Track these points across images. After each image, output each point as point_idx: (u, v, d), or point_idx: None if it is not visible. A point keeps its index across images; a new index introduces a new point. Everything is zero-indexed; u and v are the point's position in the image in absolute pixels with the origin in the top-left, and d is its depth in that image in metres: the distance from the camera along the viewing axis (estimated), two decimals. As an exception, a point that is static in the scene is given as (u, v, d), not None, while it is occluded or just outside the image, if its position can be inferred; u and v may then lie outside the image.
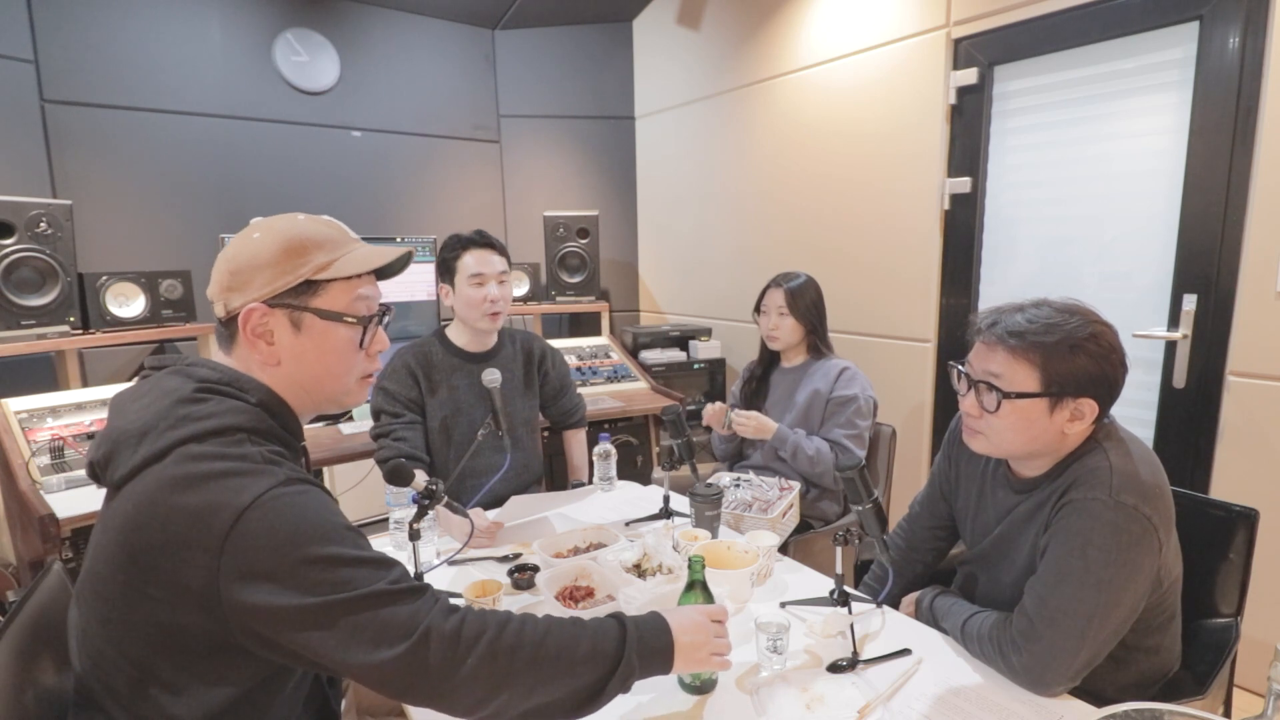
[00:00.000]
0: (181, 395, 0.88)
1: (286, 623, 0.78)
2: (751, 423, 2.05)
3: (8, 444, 2.01)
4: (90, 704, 0.86)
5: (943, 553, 1.52)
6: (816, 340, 2.18)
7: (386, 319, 1.04)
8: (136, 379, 0.96)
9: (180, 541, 0.78)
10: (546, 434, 2.45)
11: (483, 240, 1.93)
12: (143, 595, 0.80)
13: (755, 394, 2.28)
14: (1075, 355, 1.08)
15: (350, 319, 0.97)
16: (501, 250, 1.96)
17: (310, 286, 0.94)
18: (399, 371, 1.92)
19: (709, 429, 2.24)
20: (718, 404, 2.16)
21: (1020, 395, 1.10)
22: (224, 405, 0.89)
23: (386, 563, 0.85)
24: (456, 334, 2.00)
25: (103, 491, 0.89)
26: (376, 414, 1.92)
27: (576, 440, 2.25)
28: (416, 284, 3.08)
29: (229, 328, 0.95)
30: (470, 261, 1.90)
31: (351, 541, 0.84)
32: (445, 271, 1.94)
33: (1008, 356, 1.11)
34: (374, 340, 1.02)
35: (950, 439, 1.41)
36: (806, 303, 2.15)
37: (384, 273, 1.04)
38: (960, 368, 1.20)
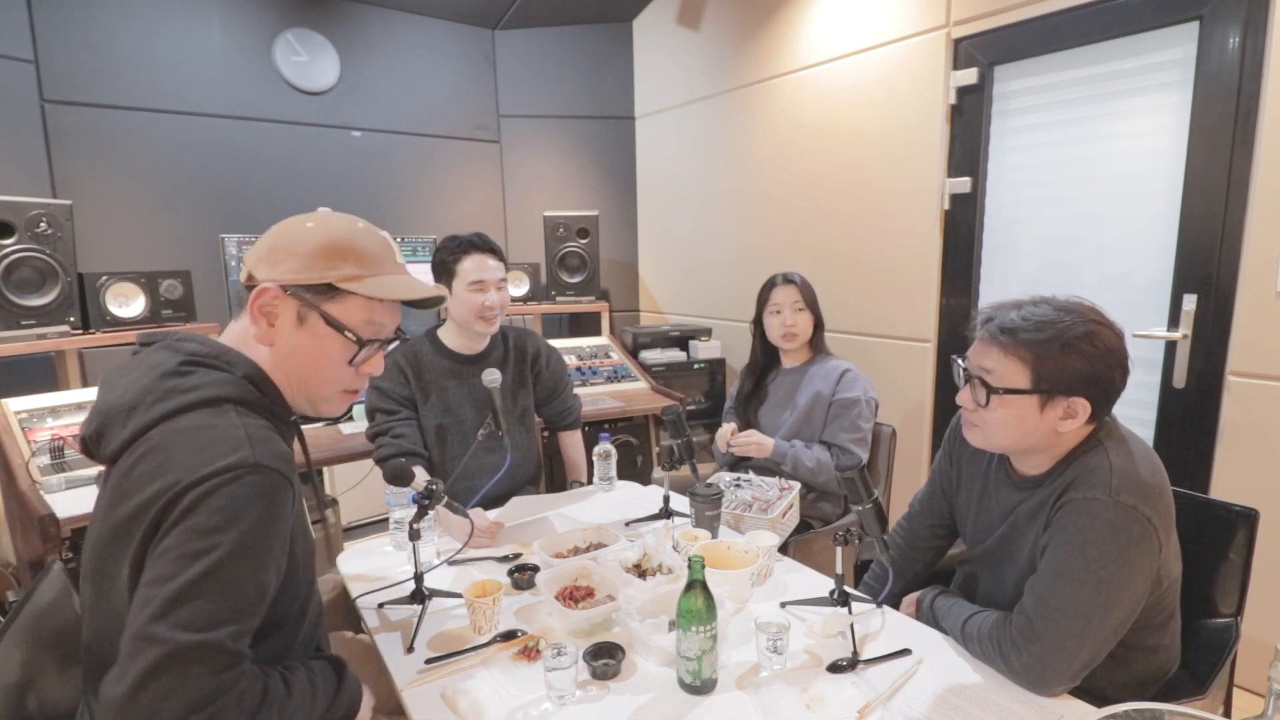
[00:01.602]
0: (167, 369, 0.90)
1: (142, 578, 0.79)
2: (751, 443, 2.07)
3: (8, 444, 2.01)
4: (96, 677, 0.88)
5: (942, 551, 1.52)
6: (819, 337, 2.19)
7: (392, 345, 1.06)
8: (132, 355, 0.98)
9: (145, 508, 0.81)
10: (546, 435, 2.45)
11: (483, 244, 1.92)
12: (124, 566, 0.82)
13: (748, 403, 2.28)
14: (1066, 354, 1.08)
15: (351, 335, 0.98)
16: (500, 254, 1.95)
17: (330, 290, 0.96)
18: (390, 370, 1.91)
19: (709, 432, 2.25)
20: (727, 426, 2.20)
21: (1009, 391, 1.11)
22: (209, 377, 0.91)
23: (238, 614, 0.79)
24: (449, 335, 1.99)
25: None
26: (371, 413, 1.92)
27: (572, 441, 2.24)
28: (416, 284, 3.07)
29: (246, 296, 0.97)
30: (470, 267, 1.89)
31: (242, 567, 0.80)
32: (443, 273, 1.93)
33: (1000, 353, 1.13)
34: (367, 362, 1.03)
35: (951, 437, 1.41)
36: (813, 296, 2.16)
37: (419, 305, 1.06)
38: (960, 361, 1.21)
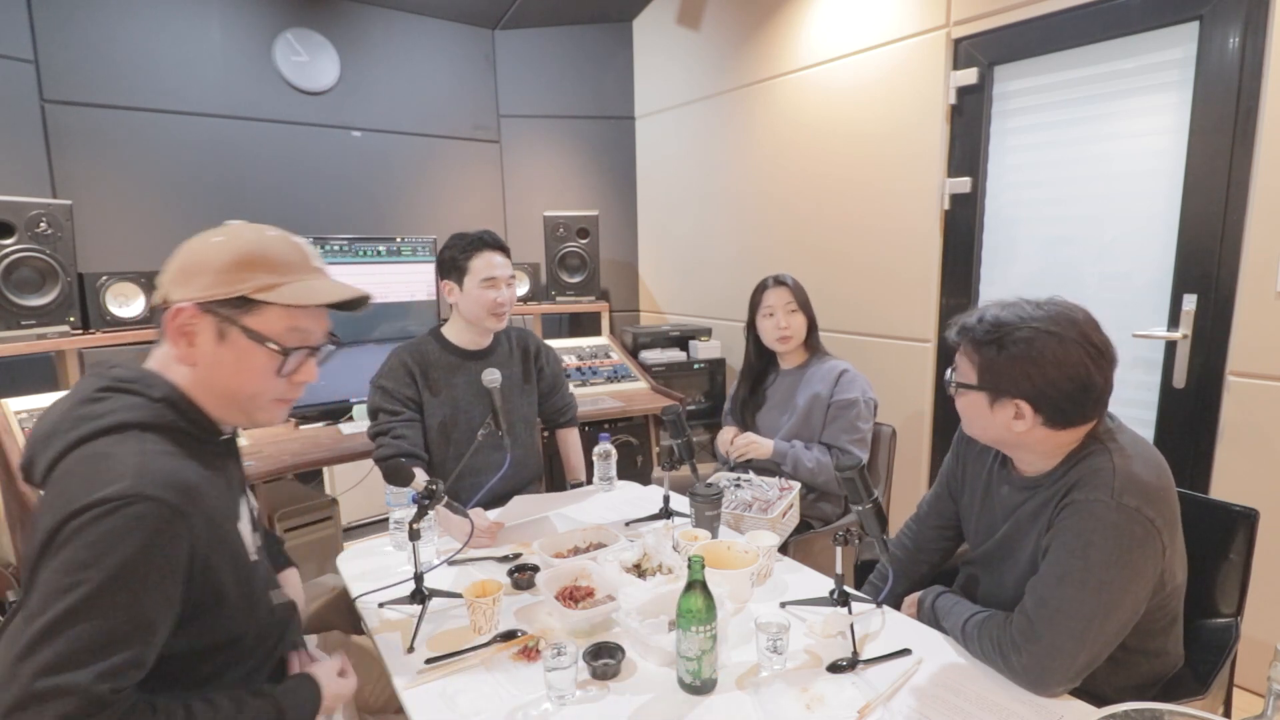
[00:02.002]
0: (84, 396, 0.90)
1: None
2: (751, 444, 2.07)
3: (7, 444, 2.01)
4: None
5: (949, 553, 1.52)
6: (815, 337, 2.19)
7: (325, 352, 1.04)
8: None
9: (40, 539, 0.80)
10: (546, 435, 2.45)
11: (493, 242, 1.95)
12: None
13: (746, 407, 2.28)
14: (1002, 358, 1.11)
15: (274, 346, 0.96)
16: (507, 251, 1.99)
17: (246, 303, 0.94)
18: (396, 370, 1.93)
19: (709, 432, 2.25)
20: (727, 432, 2.20)
21: (960, 385, 1.19)
22: (121, 402, 0.90)
23: (108, 651, 0.77)
24: (454, 332, 2.00)
25: None
26: (374, 413, 1.92)
27: (570, 439, 2.25)
28: (416, 284, 3.08)
29: (160, 317, 0.95)
30: (481, 264, 1.91)
31: (113, 602, 0.78)
32: (452, 270, 1.94)
33: (959, 350, 1.20)
34: (299, 371, 1.01)
35: (960, 437, 1.42)
36: (805, 297, 2.16)
37: (345, 306, 1.03)
38: None
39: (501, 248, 1.96)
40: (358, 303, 1.04)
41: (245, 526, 1.02)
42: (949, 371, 1.23)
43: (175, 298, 0.94)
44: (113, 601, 0.78)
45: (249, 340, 0.95)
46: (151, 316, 0.99)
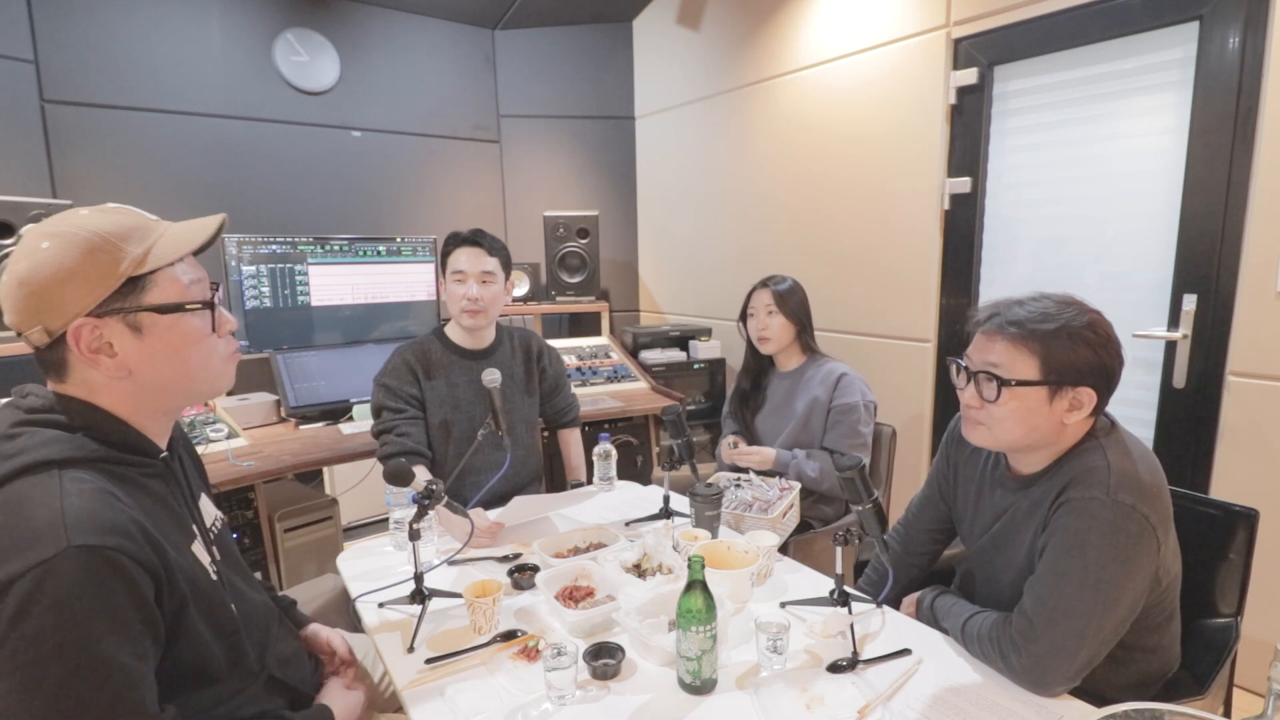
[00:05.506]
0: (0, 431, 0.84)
1: None
2: (755, 457, 2.07)
3: None
4: None
5: (938, 555, 1.52)
6: (808, 340, 2.19)
7: (219, 294, 0.99)
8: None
9: None
10: (546, 434, 2.45)
11: (473, 239, 1.95)
12: None
13: (745, 406, 2.28)
14: (1074, 344, 1.09)
15: (193, 306, 0.91)
16: (493, 249, 1.96)
17: (135, 284, 0.87)
18: (399, 369, 1.93)
19: (709, 432, 2.24)
20: (728, 439, 2.20)
21: (1021, 383, 1.11)
22: (37, 439, 0.83)
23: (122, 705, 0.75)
24: (454, 331, 2.01)
25: None
26: (378, 411, 1.92)
27: (572, 439, 2.25)
28: (416, 284, 3.08)
29: (56, 353, 0.87)
30: (454, 258, 1.94)
31: (82, 677, 0.74)
32: (441, 267, 1.99)
33: (1007, 345, 1.12)
34: (222, 322, 0.97)
35: (948, 440, 1.41)
36: (794, 302, 2.16)
37: (198, 249, 0.97)
38: (960, 362, 1.21)
39: (480, 243, 1.94)
40: (217, 235, 0.98)
41: (200, 546, 0.98)
42: (978, 375, 1.14)
43: (58, 325, 0.84)
44: (94, 662, 0.74)
45: (166, 317, 0.89)
46: (38, 359, 0.89)
